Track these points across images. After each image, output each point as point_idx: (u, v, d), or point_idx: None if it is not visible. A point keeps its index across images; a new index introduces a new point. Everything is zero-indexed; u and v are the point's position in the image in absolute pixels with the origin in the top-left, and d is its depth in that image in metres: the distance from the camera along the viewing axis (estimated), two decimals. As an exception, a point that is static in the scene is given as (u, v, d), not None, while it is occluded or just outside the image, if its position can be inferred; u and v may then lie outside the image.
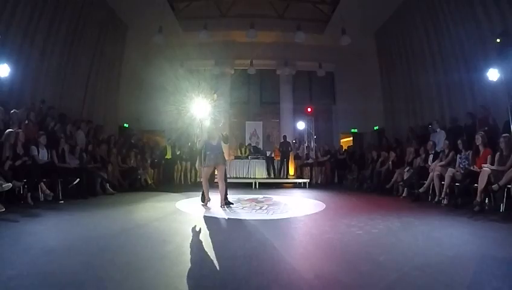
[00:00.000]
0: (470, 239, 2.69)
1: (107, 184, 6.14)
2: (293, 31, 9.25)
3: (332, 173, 9.92)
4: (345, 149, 10.76)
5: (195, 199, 5.07)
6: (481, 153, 4.42)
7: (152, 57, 11.57)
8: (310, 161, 10.01)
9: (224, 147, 4.70)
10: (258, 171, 9.79)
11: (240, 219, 3.73)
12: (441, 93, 7.35)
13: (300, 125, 10.95)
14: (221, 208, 4.37)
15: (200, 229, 3.23)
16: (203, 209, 4.36)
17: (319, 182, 9.80)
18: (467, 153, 4.79)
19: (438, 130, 6.54)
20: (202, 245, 2.44)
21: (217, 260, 2.08)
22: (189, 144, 9.40)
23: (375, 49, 10.51)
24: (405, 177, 5.84)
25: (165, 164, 9.35)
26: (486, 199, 3.99)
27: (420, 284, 1.65)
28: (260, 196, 5.98)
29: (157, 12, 8.68)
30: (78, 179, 5.16)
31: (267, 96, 12.32)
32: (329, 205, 4.82)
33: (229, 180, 8.80)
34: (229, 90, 11.87)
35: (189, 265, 1.94)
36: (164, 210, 4.39)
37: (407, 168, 6.05)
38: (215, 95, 11.66)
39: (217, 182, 4.68)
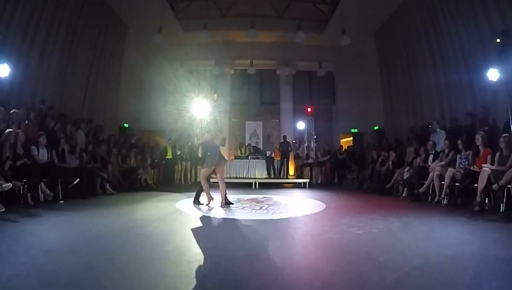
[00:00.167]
0: (470, 239, 2.69)
1: (107, 184, 6.14)
2: (293, 31, 9.25)
3: (332, 173, 9.92)
4: (345, 149, 10.76)
5: (195, 199, 5.07)
6: (481, 153, 4.41)
7: (152, 57, 11.57)
8: (310, 161, 10.01)
9: (222, 149, 4.73)
10: (258, 171, 9.78)
11: (240, 219, 3.73)
12: (441, 93, 7.35)
13: (300, 125, 10.95)
14: (221, 208, 4.37)
15: (200, 229, 3.24)
16: (203, 209, 4.36)
17: (319, 182, 9.80)
18: (467, 153, 4.79)
19: (438, 130, 6.54)
20: (202, 245, 2.44)
21: (217, 260, 2.08)
22: (189, 143, 9.41)
23: (375, 49, 10.51)
24: (405, 177, 5.84)
25: (165, 164, 9.35)
26: (486, 199, 3.99)
27: (420, 284, 1.65)
28: (260, 196, 5.98)
29: (157, 12, 8.68)
30: (78, 179, 5.16)
31: (267, 96, 12.32)
32: (329, 205, 4.82)
33: (229, 181, 8.86)
34: (229, 90, 11.87)
35: (189, 265, 1.94)
36: (164, 210, 4.39)
37: (407, 168, 6.05)
38: (215, 95, 11.71)
39: (215, 183, 4.68)
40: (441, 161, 5.18)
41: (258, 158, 10.06)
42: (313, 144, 10.58)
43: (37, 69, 6.50)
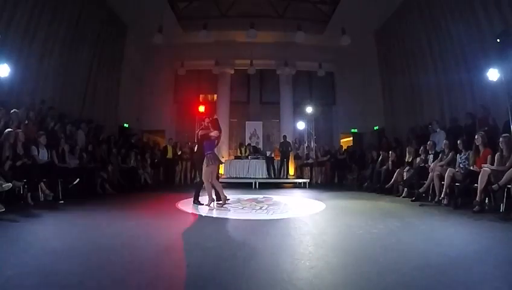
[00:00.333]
0: (470, 239, 2.69)
1: (107, 184, 6.15)
2: (293, 31, 9.25)
3: (332, 173, 9.91)
4: (345, 149, 10.75)
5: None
6: (481, 153, 4.41)
7: (152, 57, 11.59)
8: (310, 161, 10.01)
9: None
10: (258, 171, 9.78)
11: (240, 219, 3.73)
12: (441, 93, 7.35)
13: (300, 125, 10.95)
14: (215, 208, 4.36)
15: (200, 229, 3.24)
16: (203, 209, 4.36)
17: (319, 182, 9.80)
18: (466, 153, 4.79)
19: (438, 130, 6.54)
20: (202, 245, 2.44)
21: (217, 260, 2.08)
22: (189, 143, 9.41)
23: (375, 49, 10.51)
24: (405, 177, 5.83)
25: (165, 164, 9.36)
26: (486, 199, 3.99)
27: (420, 284, 1.65)
28: (260, 196, 5.98)
29: (157, 12, 8.68)
30: (78, 179, 5.15)
31: (267, 96, 12.32)
32: (329, 205, 4.82)
33: (229, 181, 8.90)
34: (229, 90, 11.87)
35: (189, 265, 1.94)
36: (164, 210, 4.39)
37: (407, 168, 6.05)
38: (215, 95, 11.76)
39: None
40: (441, 161, 5.18)
41: (258, 158, 10.06)
42: (313, 144, 10.57)
43: (37, 69, 6.51)
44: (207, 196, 4.61)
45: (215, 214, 4.04)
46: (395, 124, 9.42)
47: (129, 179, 7.03)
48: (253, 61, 11.47)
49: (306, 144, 10.73)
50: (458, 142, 4.94)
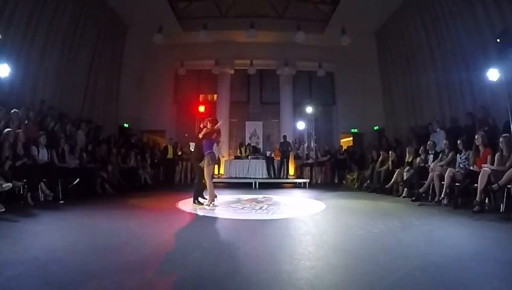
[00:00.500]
0: (470, 239, 2.69)
1: (107, 184, 6.15)
2: (293, 31, 9.26)
3: (332, 173, 9.91)
4: (345, 149, 10.75)
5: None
6: (481, 153, 4.42)
7: (152, 57, 11.59)
8: (310, 161, 10.01)
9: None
10: (258, 171, 9.78)
11: (240, 219, 3.73)
12: (441, 93, 7.35)
13: (300, 125, 10.94)
14: (210, 207, 4.38)
15: (200, 229, 3.24)
16: (203, 209, 4.36)
17: (319, 182, 9.80)
18: (466, 153, 4.79)
19: (438, 130, 6.55)
20: (202, 245, 2.44)
21: (217, 259, 2.08)
22: (190, 144, 9.42)
23: (375, 49, 10.51)
24: (405, 177, 5.84)
25: (165, 163, 9.36)
26: (486, 199, 3.99)
27: (420, 284, 1.66)
28: (260, 196, 5.98)
29: (157, 12, 8.68)
30: (78, 179, 5.16)
31: (267, 96, 12.31)
32: (330, 205, 4.82)
33: (229, 181, 8.90)
34: (229, 90, 11.87)
35: (189, 265, 1.94)
36: (164, 210, 4.39)
37: (407, 168, 6.05)
38: (215, 95, 11.76)
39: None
40: (441, 161, 5.18)
41: (258, 158, 10.06)
42: (313, 144, 10.57)
43: (37, 69, 6.51)
44: (207, 196, 4.61)
45: (215, 214, 4.03)
46: (395, 124, 9.42)
47: (129, 179, 7.03)
48: (253, 61, 11.48)
49: (306, 144, 10.72)
50: (458, 142, 4.94)
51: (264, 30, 9.94)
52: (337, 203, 5.18)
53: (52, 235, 2.80)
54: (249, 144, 11.20)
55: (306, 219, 3.73)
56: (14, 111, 5.11)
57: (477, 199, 3.82)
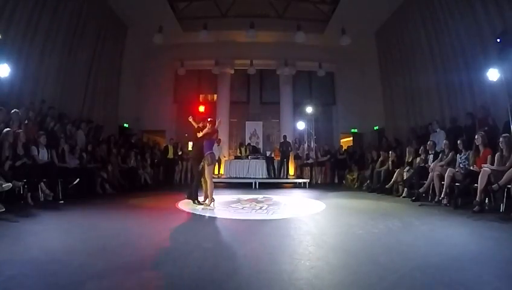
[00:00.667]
0: (470, 239, 2.68)
1: (107, 184, 6.15)
2: (293, 31, 9.25)
3: (332, 173, 9.91)
4: (345, 149, 10.75)
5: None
6: (481, 153, 4.42)
7: (152, 57, 11.58)
8: (310, 161, 10.01)
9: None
10: (258, 171, 9.78)
11: (240, 219, 3.73)
12: (441, 93, 7.35)
13: (300, 125, 10.94)
14: (209, 207, 4.38)
15: (200, 229, 3.24)
16: (203, 209, 4.36)
17: (319, 182, 9.80)
18: (466, 153, 4.79)
19: (438, 130, 6.55)
20: (202, 245, 2.44)
21: (217, 260, 2.08)
22: (188, 142, 9.42)
23: (375, 49, 10.51)
24: (405, 177, 5.83)
25: (165, 163, 9.36)
26: (486, 199, 3.99)
27: (420, 284, 1.66)
28: (260, 196, 5.98)
29: (157, 12, 8.68)
30: (78, 179, 5.16)
31: (267, 96, 12.31)
32: (330, 205, 4.82)
33: (229, 181, 8.90)
34: (229, 90, 11.87)
35: (189, 265, 1.94)
36: (164, 210, 4.39)
37: (407, 168, 6.05)
38: (215, 95, 11.76)
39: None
40: (441, 161, 5.18)
41: (258, 158, 10.06)
42: (313, 144, 10.57)
43: (37, 69, 6.50)
44: (206, 195, 4.64)
45: (215, 214, 4.03)
46: (395, 124, 9.42)
47: (129, 179, 7.03)
48: (253, 61, 11.48)
49: (306, 144, 10.72)
50: (458, 142, 4.94)
51: (264, 30, 9.94)
52: (337, 203, 5.18)
53: (52, 235, 2.80)
54: (248, 144, 11.20)
55: (306, 219, 3.73)
56: (14, 111, 5.11)
57: (477, 199, 3.81)
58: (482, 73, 5.24)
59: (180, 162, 9.64)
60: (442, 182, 4.63)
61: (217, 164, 9.74)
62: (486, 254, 2.17)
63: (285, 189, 8.09)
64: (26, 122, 5.28)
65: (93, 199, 5.15)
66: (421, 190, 5.05)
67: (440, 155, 5.34)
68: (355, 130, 12.02)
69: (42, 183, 4.51)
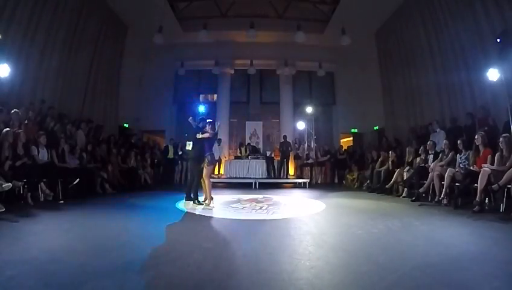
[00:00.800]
0: (470, 239, 2.68)
1: (107, 184, 6.15)
2: (293, 31, 9.25)
3: (332, 173, 9.92)
4: (345, 149, 10.75)
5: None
6: (481, 153, 4.42)
7: (152, 57, 11.59)
8: (310, 161, 10.01)
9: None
10: (258, 171, 9.78)
11: (240, 219, 3.73)
12: (441, 93, 7.36)
13: (300, 125, 10.94)
14: (209, 207, 4.40)
15: (200, 229, 3.24)
16: (203, 209, 4.36)
17: (319, 182, 9.80)
18: (466, 153, 4.79)
19: (438, 130, 6.55)
20: (202, 245, 2.44)
21: (216, 260, 2.08)
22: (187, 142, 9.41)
23: (375, 49, 10.51)
24: (405, 177, 5.83)
25: (165, 163, 9.36)
26: (486, 199, 3.99)
27: (420, 284, 1.65)
28: (260, 196, 5.98)
29: (157, 12, 8.68)
30: (78, 179, 5.16)
31: (267, 96, 12.31)
32: (329, 205, 4.82)
33: (229, 181, 8.90)
34: (229, 90, 11.87)
35: (189, 265, 1.94)
36: (164, 210, 4.39)
37: (407, 168, 6.05)
38: (215, 95, 11.75)
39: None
40: (441, 161, 5.18)
41: (257, 158, 10.06)
42: (313, 144, 10.57)
43: (37, 69, 6.51)
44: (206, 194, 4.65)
45: (214, 214, 4.04)
46: (395, 124, 9.43)
47: (129, 179, 7.03)
48: (253, 61, 11.47)
49: (306, 144, 10.73)
50: (458, 142, 4.94)
51: (264, 30, 9.93)
52: (337, 203, 5.18)
53: (52, 235, 2.80)
54: (248, 144, 11.20)
55: (306, 219, 3.73)
56: (14, 111, 5.11)
57: (477, 199, 3.81)
58: (482, 73, 5.24)
59: (180, 162, 9.63)
60: (442, 182, 4.63)
61: (217, 163, 9.78)
62: (486, 254, 2.17)
63: (285, 189, 8.09)
64: (26, 122, 5.28)
65: (93, 199, 5.15)
66: (421, 190, 5.05)
67: (440, 155, 5.34)
68: (355, 130, 12.02)
69: (42, 183, 4.52)
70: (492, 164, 4.04)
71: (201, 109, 9.50)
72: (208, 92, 12.36)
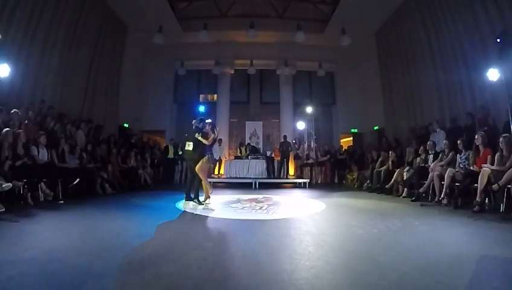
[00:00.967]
0: (470, 239, 2.68)
1: (107, 184, 6.15)
2: (293, 31, 9.25)
3: (332, 173, 9.91)
4: (345, 149, 10.76)
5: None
6: (481, 153, 4.42)
7: (152, 57, 11.59)
8: (310, 161, 10.01)
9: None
10: (258, 171, 9.78)
11: (240, 219, 3.73)
12: (441, 93, 7.35)
13: (300, 125, 10.95)
14: (207, 202, 4.46)
15: (200, 229, 3.24)
16: (202, 209, 4.36)
17: (319, 182, 9.80)
18: (466, 153, 4.79)
19: (438, 130, 6.55)
20: (202, 245, 2.44)
21: (216, 260, 2.08)
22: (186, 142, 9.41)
23: (375, 49, 10.51)
24: (405, 177, 5.83)
25: (165, 163, 9.36)
26: (486, 199, 3.98)
27: (420, 284, 1.65)
28: (260, 196, 5.98)
29: (157, 12, 8.68)
30: (78, 179, 5.16)
31: (267, 96, 12.31)
32: (329, 205, 4.82)
33: (229, 180, 8.90)
34: (229, 90, 11.87)
35: (189, 265, 1.94)
36: (164, 210, 4.39)
37: (407, 168, 6.05)
38: (215, 95, 11.75)
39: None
40: (441, 161, 5.18)
41: (258, 158, 10.07)
42: (313, 144, 10.57)
43: (37, 69, 6.51)
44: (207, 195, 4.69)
45: (214, 214, 4.04)
46: (395, 124, 9.42)
47: (129, 179, 7.03)
48: (253, 61, 11.48)
49: (306, 144, 10.73)
50: (458, 142, 4.94)
51: (264, 30, 9.94)
52: (337, 203, 5.18)
53: (52, 235, 2.80)
54: (248, 144, 11.20)
55: (306, 218, 3.73)
56: (14, 111, 5.11)
57: (477, 199, 3.81)
58: (482, 73, 5.24)
59: (180, 162, 9.63)
60: (442, 182, 4.63)
61: (217, 163, 9.80)
62: (486, 254, 2.17)
63: (285, 189, 8.09)
64: (26, 122, 5.28)
65: (93, 199, 5.15)
66: (421, 190, 5.05)
67: (440, 155, 5.34)
68: (355, 130, 12.03)
69: (42, 183, 4.52)
70: (492, 164, 4.04)
71: (201, 109, 9.52)
72: (208, 92, 12.36)
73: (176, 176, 9.62)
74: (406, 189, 5.75)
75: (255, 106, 12.35)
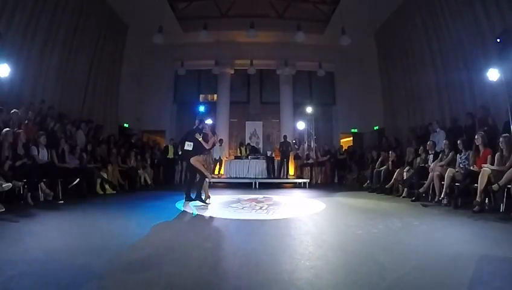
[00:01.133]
0: (470, 239, 2.68)
1: (107, 184, 6.15)
2: (293, 31, 9.25)
3: (332, 173, 9.92)
4: (345, 149, 10.75)
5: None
6: (481, 153, 4.41)
7: (152, 57, 11.59)
8: (310, 161, 10.01)
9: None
10: (258, 171, 9.79)
11: (240, 219, 3.73)
12: (441, 93, 7.35)
13: (300, 125, 10.95)
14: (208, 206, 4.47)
15: (200, 229, 3.24)
16: (202, 209, 4.36)
17: (319, 182, 9.80)
18: (466, 153, 4.79)
19: (438, 130, 6.55)
20: (202, 245, 2.44)
21: (216, 259, 2.08)
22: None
23: (375, 49, 10.51)
24: (405, 177, 5.83)
25: (165, 163, 9.36)
26: (486, 199, 3.98)
27: (420, 284, 1.65)
28: (260, 196, 5.98)
29: (157, 12, 8.68)
30: (78, 179, 5.16)
31: (267, 96, 12.31)
32: (329, 205, 4.82)
33: (229, 180, 8.90)
34: (229, 90, 11.87)
35: (189, 265, 1.94)
36: (164, 210, 4.39)
37: (407, 168, 6.05)
38: (215, 95, 11.75)
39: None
40: (441, 161, 5.18)
41: (258, 158, 10.07)
42: (313, 144, 10.57)
43: (37, 69, 6.51)
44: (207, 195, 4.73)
45: (215, 214, 4.04)
46: (395, 124, 9.42)
47: (129, 179, 7.03)
48: (253, 61, 11.48)
49: (306, 144, 10.73)
50: (458, 142, 4.94)
51: (264, 30, 9.94)
52: (337, 203, 5.18)
53: (52, 235, 2.80)
54: (248, 144, 11.20)
55: (306, 218, 3.73)
56: (14, 111, 5.11)
57: (477, 199, 3.81)
58: (482, 73, 5.24)
59: (180, 162, 9.63)
60: (442, 182, 4.63)
61: (217, 163, 9.80)
62: (486, 254, 2.17)
63: (285, 189, 8.09)
64: (26, 122, 5.28)
65: (93, 199, 5.15)
66: (421, 190, 5.05)
67: (440, 155, 5.34)
68: (355, 130, 12.03)
69: (42, 183, 4.51)
70: (492, 164, 4.04)
71: (201, 109, 9.52)
72: (208, 92, 12.36)
73: (176, 176, 9.62)
74: (406, 189, 5.75)
75: (255, 106, 12.35)
